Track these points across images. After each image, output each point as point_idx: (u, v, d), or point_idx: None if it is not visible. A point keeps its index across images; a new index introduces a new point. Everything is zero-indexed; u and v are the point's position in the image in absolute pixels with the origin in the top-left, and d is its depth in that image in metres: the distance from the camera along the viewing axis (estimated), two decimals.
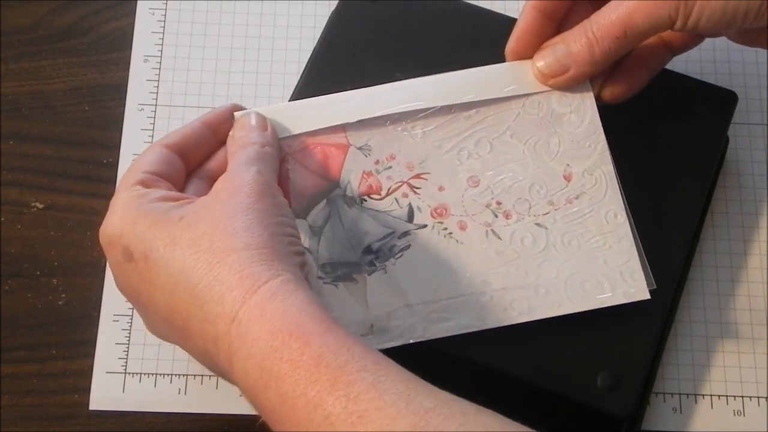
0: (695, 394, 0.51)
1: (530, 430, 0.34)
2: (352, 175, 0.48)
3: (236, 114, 0.47)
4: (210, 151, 0.46)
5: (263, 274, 0.37)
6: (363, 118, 0.48)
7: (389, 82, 0.48)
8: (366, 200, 0.47)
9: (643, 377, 0.46)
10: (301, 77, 0.52)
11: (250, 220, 0.39)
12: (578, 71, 0.46)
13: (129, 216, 0.41)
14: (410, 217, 0.47)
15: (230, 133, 0.46)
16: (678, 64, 0.51)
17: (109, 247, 0.41)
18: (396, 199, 0.47)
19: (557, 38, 0.47)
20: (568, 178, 0.47)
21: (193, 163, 0.46)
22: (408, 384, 0.35)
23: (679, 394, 0.51)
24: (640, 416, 0.49)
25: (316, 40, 0.53)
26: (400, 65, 0.51)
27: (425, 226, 0.47)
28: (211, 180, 0.44)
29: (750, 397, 0.51)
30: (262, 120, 0.46)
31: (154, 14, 0.59)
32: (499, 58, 0.49)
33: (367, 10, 0.53)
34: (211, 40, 0.59)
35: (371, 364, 0.35)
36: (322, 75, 0.51)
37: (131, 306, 0.52)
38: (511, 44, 0.48)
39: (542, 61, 0.47)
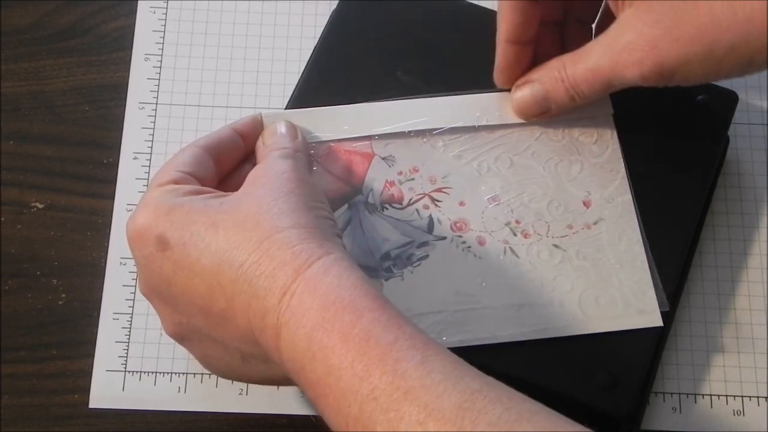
0: (695, 394, 0.51)
1: (574, 423, 0.34)
2: (375, 183, 0.48)
3: (265, 118, 0.47)
4: (240, 158, 0.46)
5: (316, 251, 0.38)
6: (384, 132, 0.49)
7: (389, 81, 0.49)
8: (387, 208, 0.48)
9: (642, 377, 0.46)
10: (301, 77, 0.52)
11: (295, 202, 0.40)
12: (560, 111, 0.48)
13: (163, 207, 0.40)
14: (430, 228, 0.47)
15: (259, 140, 0.46)
16: None
17: (139, 240, 0.41)
18: (417, 210, 0.48)
19: (534, 76, 0.47)
20: (587, 204, 0.48)
21: (224, 168, 0.45)
22: (456, 366, 0.35)
23: (679, 393, 0.51)
24: (639, 416, 0.49)
25: (317, 40, 0.53)
26: (400, 65, 0.51)
27: (444, 238, 0.47)
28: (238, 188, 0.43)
29: (750, 396, 0.51)
30: (293, 128, 0.46)
31: (155, 13, 0.59)
32: None
33: (367, 10, 0.53)
34: (212, 38, 0.59)
35: (421, 343, 0.35)
36: (322, 75, 0.51)
37: (131, 303, 0.52)
38: (498, 80, 0.49)
39: (525, 112, 0.48)
